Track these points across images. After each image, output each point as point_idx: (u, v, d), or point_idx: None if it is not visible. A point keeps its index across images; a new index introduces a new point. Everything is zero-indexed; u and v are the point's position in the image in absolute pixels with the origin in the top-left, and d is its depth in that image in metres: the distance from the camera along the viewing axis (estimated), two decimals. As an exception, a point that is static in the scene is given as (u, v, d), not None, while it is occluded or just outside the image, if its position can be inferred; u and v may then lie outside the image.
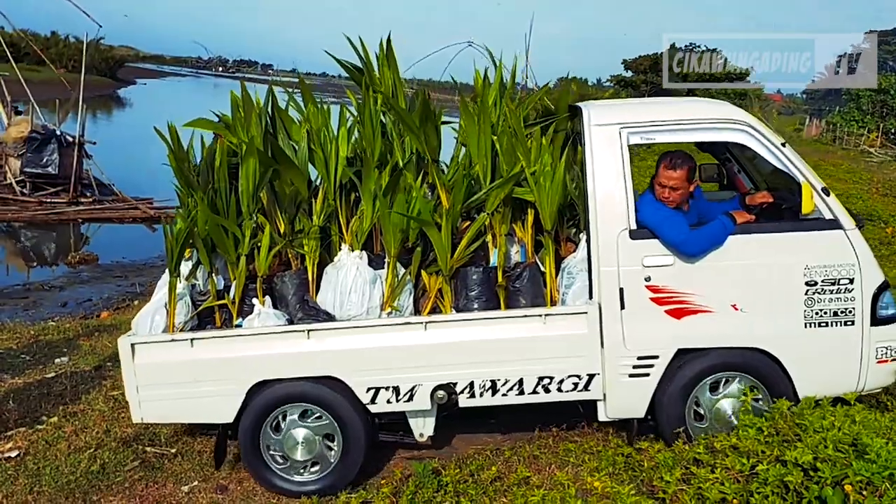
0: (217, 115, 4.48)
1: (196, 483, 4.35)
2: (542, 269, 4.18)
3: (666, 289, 3.93)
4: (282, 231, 4.25)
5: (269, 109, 4.42)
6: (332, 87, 4.94)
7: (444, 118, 4.56)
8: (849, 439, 3.32)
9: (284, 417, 4.09)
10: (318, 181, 4.35)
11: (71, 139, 17.24)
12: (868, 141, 28.61)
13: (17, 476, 4.38)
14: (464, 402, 4.06)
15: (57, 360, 6.40)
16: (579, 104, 4.24)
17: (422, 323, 3.98)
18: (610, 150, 3.94)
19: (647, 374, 4.02)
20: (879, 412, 3.74)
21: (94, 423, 5.05)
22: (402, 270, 4.14)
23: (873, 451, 3.14)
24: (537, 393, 4.04)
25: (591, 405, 4.18)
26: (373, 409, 4.05)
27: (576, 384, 4.03)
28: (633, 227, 3.92)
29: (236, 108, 4.30)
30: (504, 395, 4.04)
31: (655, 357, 4.00)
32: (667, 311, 3.95)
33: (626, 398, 4.07)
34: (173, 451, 4.70)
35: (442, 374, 4.01)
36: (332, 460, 4.11)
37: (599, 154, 3.95)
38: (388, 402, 4.03)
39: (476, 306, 4.12)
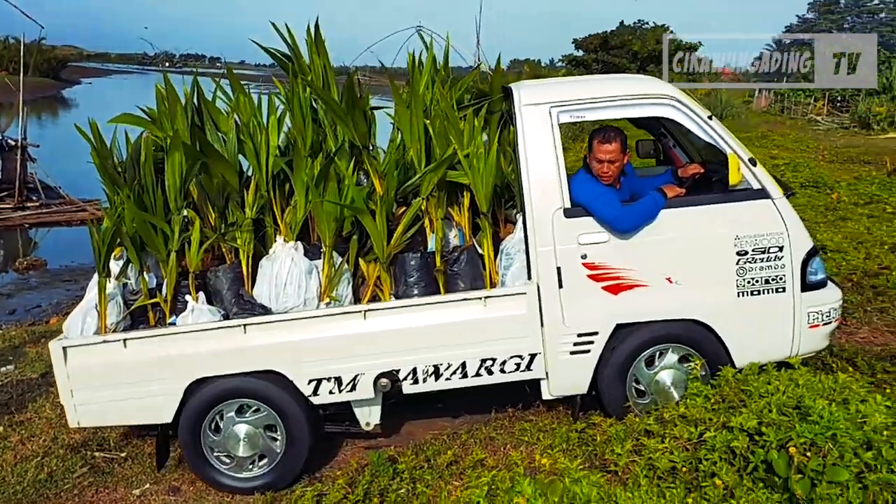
0: (142, 110, 4.37)
1: (147, 486, 4.28)
2: (481, 251, 4.17)
3: (602, 266, 3.95)
4: (213, 224, 4.18)
5: (196, 101, 4.33)
6: (283, 77, 4.84)
7: (380, 104, 4.52)
8: (792, 402, 3.38)
9: (222, 417, 4.03)
10: (250, 172, 4.27)
11: (13, 143, 16.77)
12: (815, 110, 29.09)
13: (-41, 489, 4.27)
14: (407, 388, 4.05)
15: (2, 369, 6.23)
16: (510, 85, 4.22)
17: (361, 311, 3.95)
18: (541, 130, 3.94)
19: (588, 351, 4.04)
20: (824, 374, 3.79)
21: (41, 431, 4.94)
22: (338, 260, 4.10)
23: (816, 413, 3.20)
24: (480, 375, 4.05)
25: (537, 384, 4.19)
26: (315, 400, 4.01)
27: (518, 364, 4.04)
28: (568, 205, 3.93)
29: (161, 101, 4.21)
30: (448, 379, 4.04)
31: (595, 333, 4.02)
32: (604, 288, 3.98)
33: (569, 375, 4.10)
34: (123, 454, 4.61)
35: (384, 361, 3.99)
36: (279, 451, 4.07)
37: (531, 134, 3.94)
38: (331, 392, 4.00)
39: (415, 292, 4.10)
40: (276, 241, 4.11)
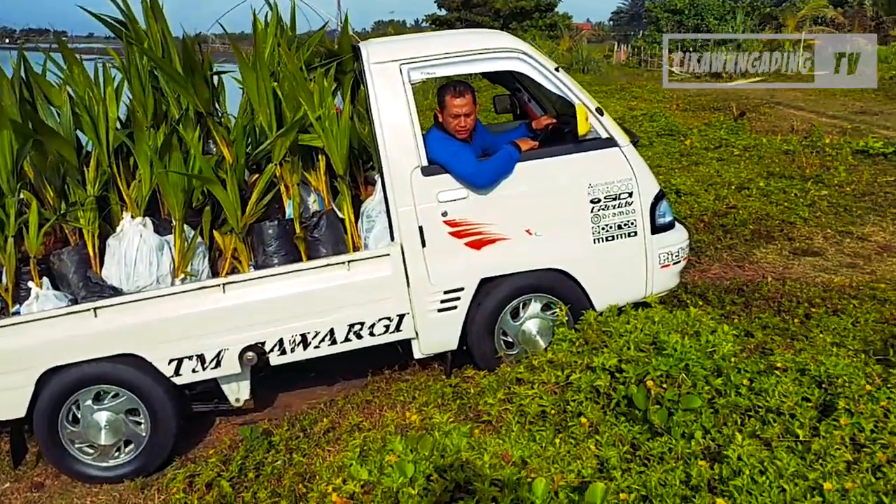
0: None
1: (8, 485, 4.04)
2: (341, 215, 4.12)
3: (463, 222, 3.99)
4: (53, 205, 3.92)
5: (24, 76, 4.01)
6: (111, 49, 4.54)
7: (232, 70, 4.33)
8: (649, 339, 3.56)
9: (79, 407, 3.84)
10: (90, 147, 4.03)
11: None
12: (669, 61, 30.35)
13: None
14: (275, 360, 3.98)
15: None
16: (359, 43, 4.15)
17: (219, 285, 3.82)
18: (392, 88, 3.89)
19: (455, 307, 4.09)
20: (679, 310, 3.99)
21: None
22: (191, 233, 3.94)
23: (670, 347, 3.38)
24: (350, 340, 4.02)
25: (409, 344, 4.21)
26: (178, 381, 3.88)
27: (387, 326, 4.04)
28: (425, 163, 3.92)
29: (-18, 77, 3.88)
30: (316, 347, 3.99)
31: (461, 289, 4.07)
32: (467, 244, 4.02)
33: (438, 333, 4.14)
34: (-23, 455, 4.33)
35: (248, 335, 3.89)
36: (144, 435, 3.92)
37: (382, 92, 3.89)
38: (194, 371, 3.88)
39: (276, 261, 4.01)
40: (122, 218, 3.90)
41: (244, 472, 3.70)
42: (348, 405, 4.33)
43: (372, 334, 4.05)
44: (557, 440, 3.07)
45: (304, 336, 3.95)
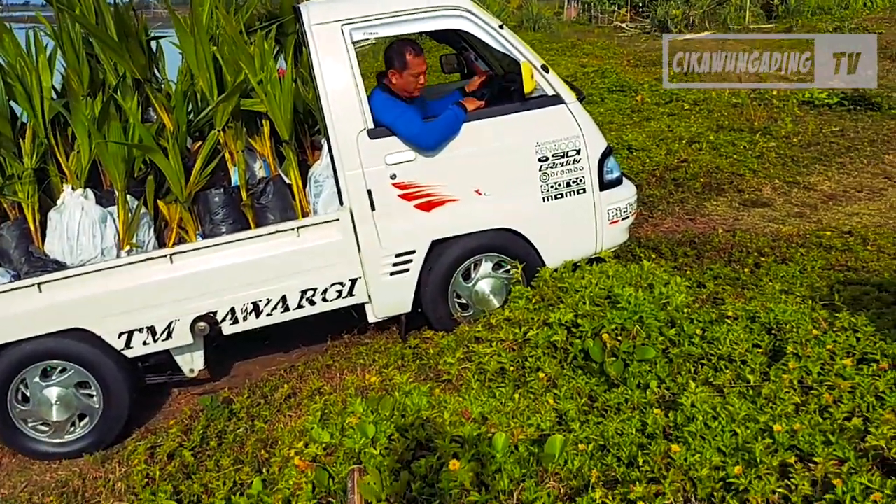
0: None
1: (-40, 467, 3.96)
2: (288, 181, 4.06)
3: (412, 184, 3.95)
4: (-12, 180, 3.80)
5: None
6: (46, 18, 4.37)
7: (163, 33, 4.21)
8: (604, 293, 3.58)
9: (27, 385, 3.76)
10: (24, 119, 3.89)
11: None
12: (619, 17, 30.29)
13: None
14: (228, 329, 3.93)
15: None
16: (300, 4, 4.05)
17: (166, 256, 3.75)
18: (334, 49, 3.81)
19: (407, 270, 4.07)
20: (632, 264, 4.03)
21: None
22: (135, 203, 3.85)
23: (624, 300, 3.41)
24: (303, 307, 3.99)
25: (363, 308, 4.20)
26: (129, 353, 3.82)
27: (340, 291, 4.02)
28: (371, 126, 3.86)
29: None
30: (269, 315, 3.96)
31: (412, 252, 4.05)
32: (416, 206, 3.99)
33: (391, 296, 4.12)
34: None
35: (198, 305, 3.84)
36: (98, 407, 3.86)
37: (324, 54, 3.81)
38: (145, 343, 3.82)
39: (224, 230, 3.95)
40: (63, 190, 3.80)
41: (206, 441, 3.68)
42: (308, 370, 4.32)
43: (325, 300, 4.02)
44: (517, 395, 3.09)
45: (255, 304, 3.91)
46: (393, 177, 3.92)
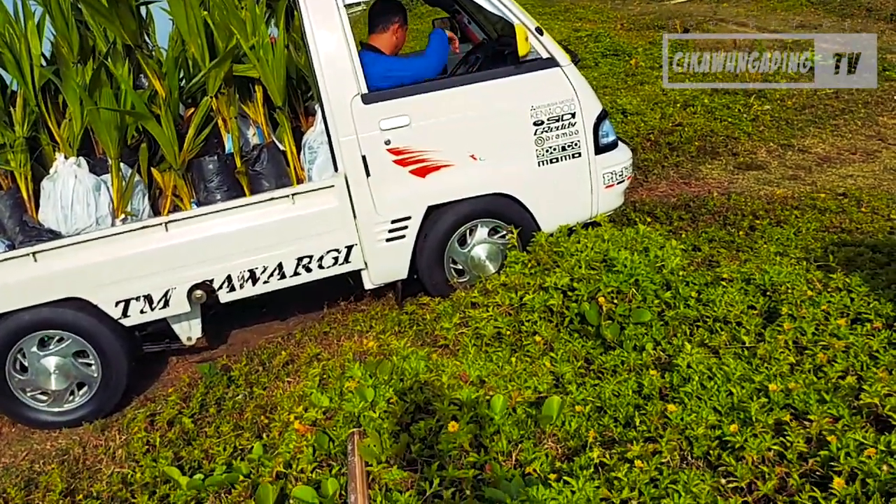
0: None
1: (-38, 437, 3.98)
2: (282, 147, 4.03)
3: (407, 150, 3.94)
4: (-22, 149, 3.76)
5: (-66, 11, 3.80)
6: None
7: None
8: (600, 257, 3.59)
9: (24, 355, 3.77)
10: (14, 87, 3.85)
11: None
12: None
13: None
14: (225, 297, 3.94)
15: None
16: (291, -32, 4.00)
17: (161, 224, 3.74)
18: (326, 14, 3.76)
19: (403, 236, 4.07)
20: (629, 228, 4.02)
21: None
22: (128, 171, 3.83)
23: (620, 263, 3.43)
24: (299, 274, 4.00)
25: (359, 275, 4.20)
26: (126, 322, 3.82)
27: (336, 258, 4.02)
28: (365, 91, 3.84)
29: None
30: (265, 282, 3.96)
31: (408, 218, 4.04)
32: (411, 172, 3.97)
33: (387, 262, 4.13)
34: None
35: (195, 272, 3.84)
36: (96, 375, 3.88)
37: (316, 19, 3.76)
38: (143, 312, 3.82)
39: (218, 197, 3.93)
40: (55, 158, 3.77)
41: (205, 408, 3.71)
42: (306, 337, 4.34)
43: (321, 267, 4.02)
44: (514, 359, 3.12)
45: (252, 272, 3.91)
46: (387, 142, 3.90)
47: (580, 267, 3.53)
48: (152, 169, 3.90)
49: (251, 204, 3.86)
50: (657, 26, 14.85)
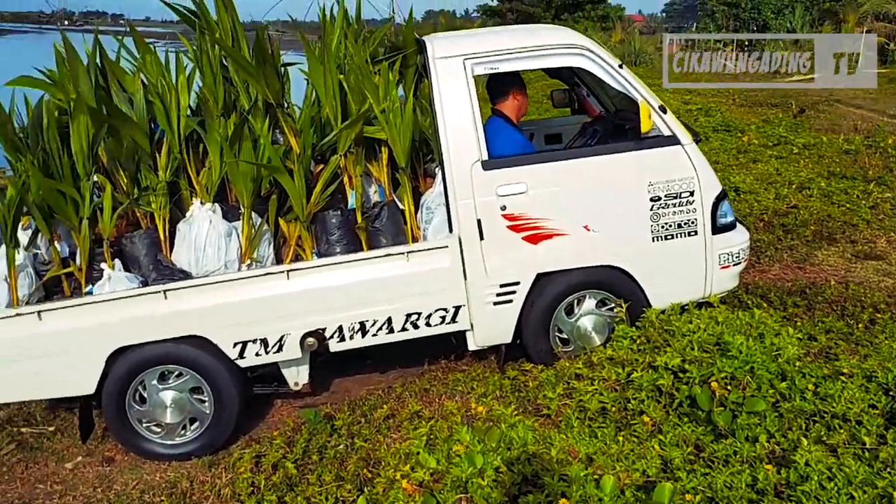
0: (42, 72, 4.16)
1: (80, 459, 4.19)
2: (401, 206, 4.17)
3: (521, 216, 4.01)
4: (126, 190, 4.04)
5: (99, 62, 4.14)
6: (190, 34, 4.71)
7: (295, 59, 4.41)
8: (713, 340, 3.53)
9: (144, 387, 3.97)
10: (161, 134, 4.14)
11: None
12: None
13: None
14: (335, 346, 4.05)
15: None
16: (424, 38, 4.19)
17: (283, 272, 3.91)
18: (455, 83, 3.93)
19: (511, 301, 4.11)
20: (741, 311, 3.95)
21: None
22: (258, 220, 4.04)
23: (735, 348, 3.36)
24: (407, 330, 4.08)
25: (463, 335, 4.25)
26: (242, 363, 3.98)
27: (443, 317, 4.09)
28: (486, 157, 3.95)
29: (62, 62, 4.01)
30: (374, 335, 4.06)
31: (517, 283, 4.09)
32: (524, 238, 4.03)
33: (493, 326, 4.17)
34: (51, 428, 4.49)
35: (309, 321, 3.97)
36: (209, 412, 4.04)
37: (445, 87, 3.93)
38: (258, 354, 3.98)
39: (338, 250, 4.07)
40: (192, 203, 4.01)
41: (308, 455, 3.79)
42: (406, 392, 4.39)
43: (428, 324, 4.10)
44: (620, 438, 3.08)
45: (363, 324, 4.02)
46: (503, 208, 3.98)
47: (692, 348, 3.48)
48: (279, 219, 4.10)
49: (368, 258, 3.99)
50: (770, 104, 14.63)
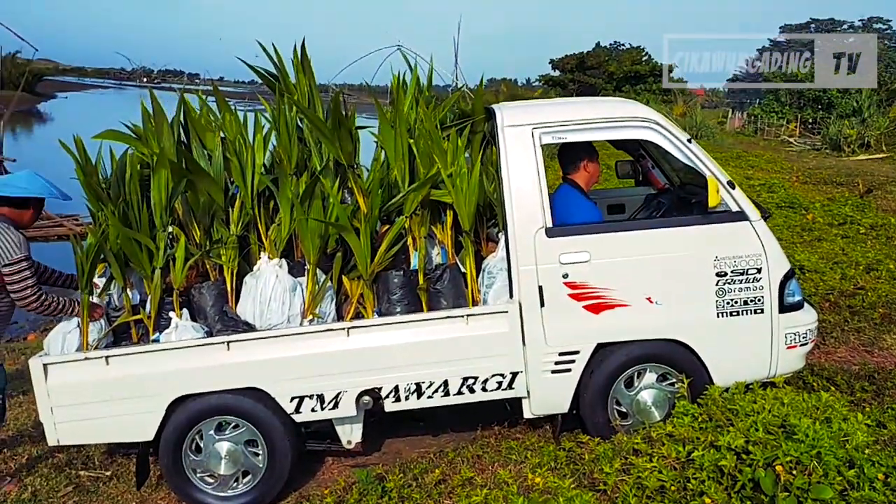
0: (128, 127, 4.37)
1: (134, 506, 4.26)
2: (463, 269, 4.20)
3: (583, 285, 4.00)
4: (198, 242, 4.18)
5: (182, 119, 4.34)
6: (265, 95, 4.94)
7: (363, 122, 4.54)
8: (778, 421, 3.43)
9: (202, 437, 4.02)
10: (235, 190, 4.28)
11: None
12: (787, 131, 29.61)
13: (-61, 511, 4.22)
14: (389, 406, 4.06)
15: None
16: (493, 106, 4.28)
17: (344, 329, 3.96)
18: (523, 151, 3.99)
19: (569, 370, 4.08)
20: (806, 393, 3.86)
21: (23, 450, 4.89)
22: (322, 277, 4.11)
23: (801, 432, 3.25)
24: (462, 393, 4.06)
25: (518, 402, 4.21)
26: (297, 418, 4.01)
27: (500, 383, 4.07)
28: (549, 225, 3.97)
29: (147, 118, 4.21)
30: (429, 397, 4.05)
31: (576, 352, 4.06)
32: (585, 307, 4.02)
33: (550, 394, 4.13)
34: (108, 473, 4.58)
35: (366, 379, 4.00)
36: (262, 466, 4.05)
37: (513, 155, 3.99)
38: (313, 410, 4.00)
39: (398, 310, 4.11)
40: (260, 258, 4.12)
41: (358, 515, 3.76)
42: (458, 458, 4.35)
43: (484, 389, 4.07)
44: (679, 519, 2.99)
45: (419, 385, 4.02)
46: (565, 276, 3.98)
47: (756, 429, 3.37)
48: (343, 276, 4.16)
49: (428, 319, 4.01)
50: (836, 182, 14.42)
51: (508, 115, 4.06)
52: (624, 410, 4.17)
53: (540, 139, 4.01)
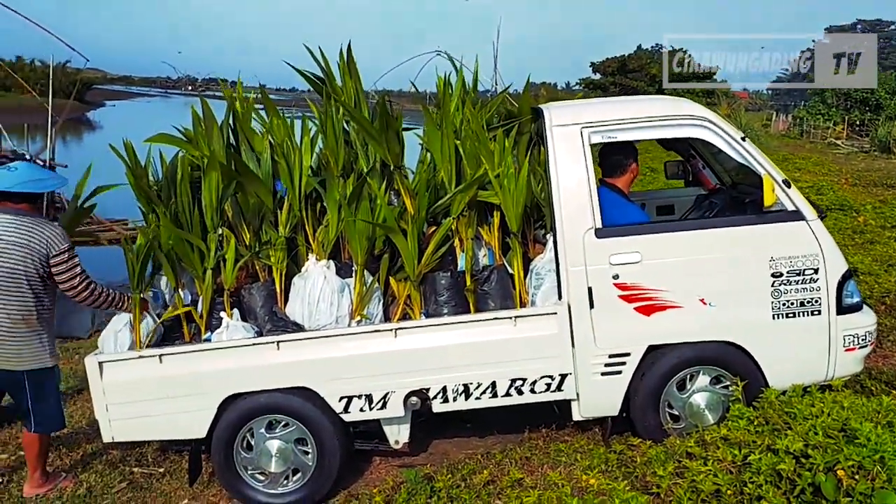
0: (179, 130, 4.44)
1: (186, 501, 4.30)
2: (511, 271, 4.18)
3: (634, 286, 3.94)
4: (247, 243, 4.22)
5: (231, 123, 4.40)
6: (302, 102, 5.01)
7: (408, 125, 4.56)
8: (838, 425, 3.34)
9: (253, 435, 4.06)
10: (283, 192, 4.32)
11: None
12: (834, 133, 29.03)
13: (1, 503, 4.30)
14: (437, 407, 4.05)
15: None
16: (540, 106, 4.25)
17: (392, 330, 3.96)
18: (571, 151, 3.95)
19: (620, 372, 4.02)
20: (865, 397, 3.75)
21: (77, 446, 4.98)
22: (370, 278, 4.12)
23: (863, 436, 3.16)
24: (510, 395, 4.03)
25: (566, 404, 4.17)
26: (346, 417, 4.02)
27: (549, 385, 4.03)
28: (599, 225, 3.93)
29: (198, 122, 4.27)
30: (477, 398, 4.03)
31: (627, 354, 4.00)
32: (636, 309, 3.96)
33: (600, 397, 4.08)
34: (161, 470, 4.64)
35: (414, 380, 3.99)
36: (311, 464, 4.08)
37: (561, 155, 3.96)
38: (362, 410, 4.01)
39: (445, 311, 4.11)
40: (308, 259, 4.14)
41: (408, 515, 3.75)
42: (506, 459, 4.32)
43: (533, 391, 4.04)
44: (737, 522, 2.92)
45: (466, 386, 4.00)
46: (615, 277, 3.93)
47: (816, 433, 3.28)
48: (390, 278, 4.17)
49: (476, 321, 3.99)
50: (886, 184, 14.09)
51: (557, 115, 4.03)
52: (676, 413, 4.10)
53: (589, 138, 3.97)
